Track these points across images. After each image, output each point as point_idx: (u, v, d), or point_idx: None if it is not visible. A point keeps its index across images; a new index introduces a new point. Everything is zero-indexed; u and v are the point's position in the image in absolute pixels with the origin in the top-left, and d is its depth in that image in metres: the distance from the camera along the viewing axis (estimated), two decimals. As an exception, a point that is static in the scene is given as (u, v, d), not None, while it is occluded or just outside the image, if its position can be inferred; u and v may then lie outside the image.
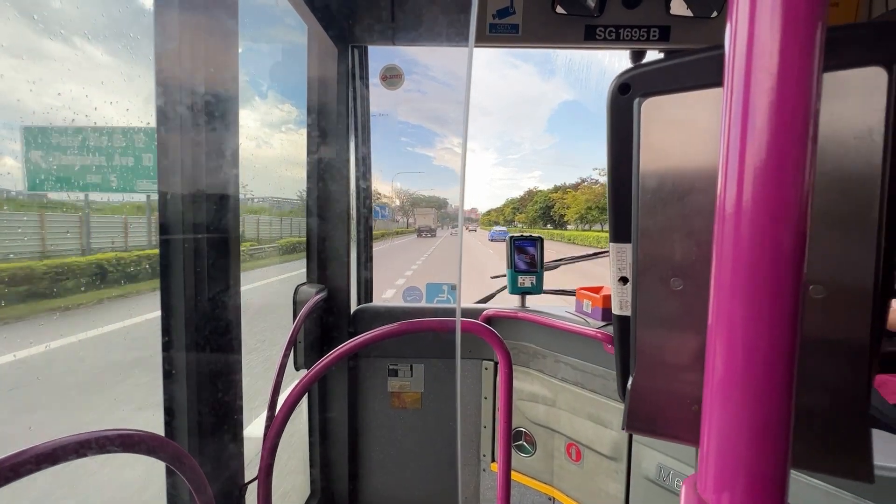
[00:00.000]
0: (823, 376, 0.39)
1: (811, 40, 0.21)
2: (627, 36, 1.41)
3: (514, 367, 1.29)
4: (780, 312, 0.23)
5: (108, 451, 0.55)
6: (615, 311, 0.54)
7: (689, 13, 1.37)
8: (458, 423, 1.65)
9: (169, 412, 0.87)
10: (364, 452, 1.67)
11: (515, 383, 1.53)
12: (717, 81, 0.36)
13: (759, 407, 0.23)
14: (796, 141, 0.22)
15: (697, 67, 0.42)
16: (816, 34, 0.21)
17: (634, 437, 1.26)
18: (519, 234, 1.59)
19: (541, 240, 1.61)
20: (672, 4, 1.35)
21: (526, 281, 1.57)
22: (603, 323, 1.35)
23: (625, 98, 0.46)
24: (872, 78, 0.34)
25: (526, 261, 1.58)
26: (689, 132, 0.42)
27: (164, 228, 0.82)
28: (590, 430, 1.36)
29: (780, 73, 0.22)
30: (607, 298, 1.37)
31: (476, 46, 1.46)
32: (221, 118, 0.85)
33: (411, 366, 1.63)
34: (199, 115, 0.82)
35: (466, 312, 1.62)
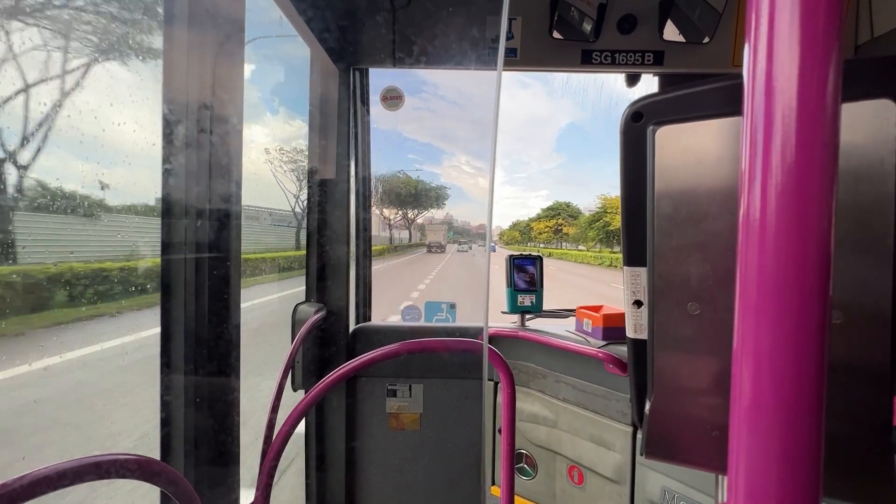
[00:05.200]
0: (844, 402, 0.38)
1: (828, 68, 0.22)
2: (623, 60, 1.44)
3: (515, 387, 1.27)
4: (808, 338, 0.23)
5: (103, 477, 0.53)
6: (630, 334, 0.54)
7: (681, 39, 1.41)
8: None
9: (165, 433, 0.84)
10: (361, 475, 1.63)
11: (516, 404, 1.51)
12: (729, 111, 0.36)
13: (790, 434, 0.23)
14: (818, 167, 0.22)
15: (709, 98, 0.43)
16: (832, 62, 0.22)
17: (637, 459, 1.24)
18: (518, 254, 1.60)
19: (540, 258, 1.61)
20: (665, 31, 1.40)
21: (526, 300, 1.57)
22: (603, 342, 1.34)
23: (638, 126, 0.47)
24: (882, 110, 0.35)
25: (525, 279, 1.58)
26: (704, 160, 0.42)
27: (165, 248, 0.82)
28: (591, 452, 1.34)
29: (799, 101, 0.22)
30: (607, 318, 1.37)
31: (475, 70, 1.49)
32: (225, 140, 0.86)
33: (410, 386, 1.61)
34: (203, 137, 0.83)
35: (466, 332, 1.61)
